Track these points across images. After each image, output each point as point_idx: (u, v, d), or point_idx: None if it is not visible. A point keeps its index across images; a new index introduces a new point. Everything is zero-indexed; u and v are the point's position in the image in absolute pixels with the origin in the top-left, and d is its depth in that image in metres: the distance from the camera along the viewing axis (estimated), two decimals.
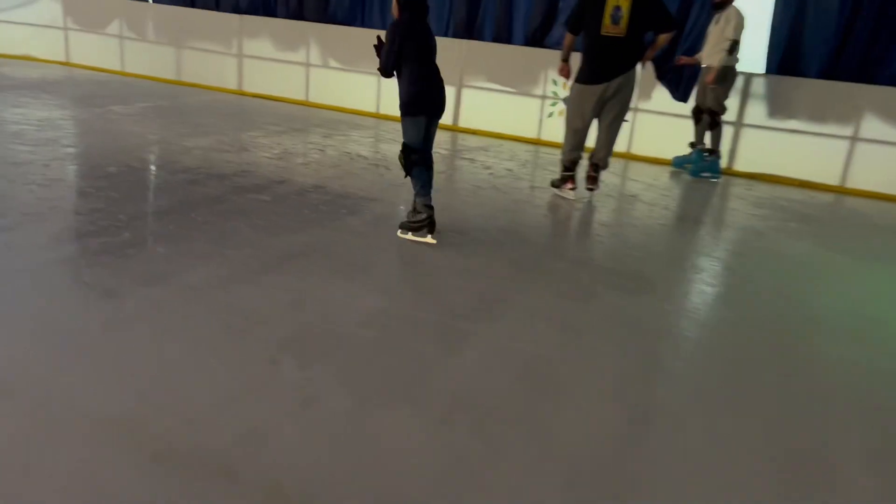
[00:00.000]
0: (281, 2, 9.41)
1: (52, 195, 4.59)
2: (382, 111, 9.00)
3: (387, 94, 8.96)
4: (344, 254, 4.05)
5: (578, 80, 5.53)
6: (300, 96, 9.52)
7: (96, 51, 10.61)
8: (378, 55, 4.14)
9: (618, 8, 5.25)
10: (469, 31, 8.53)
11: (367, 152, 6.97)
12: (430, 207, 4.26)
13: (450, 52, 8.63)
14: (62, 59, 10.82)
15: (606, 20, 5.29)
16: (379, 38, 4.19)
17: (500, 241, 4.58)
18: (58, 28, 10.70)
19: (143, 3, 10.18)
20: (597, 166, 5.75)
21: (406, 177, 4.26)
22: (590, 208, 5.72)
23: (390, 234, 4.46)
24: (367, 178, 5.94)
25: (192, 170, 5.57)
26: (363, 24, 9.10)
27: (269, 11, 9.48)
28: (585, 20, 5.41)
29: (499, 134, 8.54)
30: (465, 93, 8.64)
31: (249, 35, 9.62)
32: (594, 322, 3.49)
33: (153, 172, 5.56)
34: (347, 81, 9.17)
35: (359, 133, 8.06)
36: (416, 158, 4.16)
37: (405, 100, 4.12)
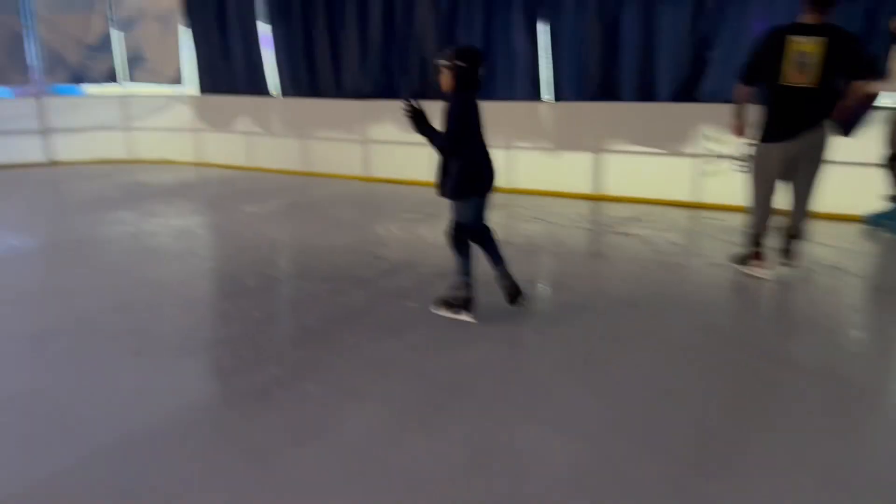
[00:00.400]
0: (403, 84, 9.16)
1: (191, 321, 4.24)
2: (515, 185, 8.45)
3: (515, 168, 8.43)
4: (520, 377, 3.38)
5: (761, 138, 4.71)
6: (427, 177, 9.13)
7: (225, 148, 10.80)
8: (416, 124, 3.85)
9: (803, 54, 4.44)
10: (607, 91, 7.87)
11: (513, 234, 6.37)
12: (471, 286, 4.11)
13: (586, 116, 8.01)
14: (194, 159, 11.09)
15: (790, 68, 4.48)
16: (411, 103, 3.85)
17: (698, 345, 3.77)
18: (189, 130, 11.01)
19: (268, 98, 10.27)
20: (793, 237, 4.84)
21: (455, 254, 4.09)
22: (788, 287, 4.80)
23: (573, 343, 3.76)
24: (526, 268, 5.29)
25: (332, 277, 5.14)
26: (490, 97, 8.65)
27: (393, 94, 9.26)
28: (763, 69, 4.62)
29: (649, 200, 7.73)
30: (607, 158, 7.94)
31: (373, 119, 9.42)
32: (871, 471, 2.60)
33: (293, 284, 5.18)
34: None
35: (503, 212, 7.51)
36: (467, 238, 4.06)
37: (460, 180, 3.88)
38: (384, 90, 9.32)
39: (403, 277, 5.08)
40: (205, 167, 10.95)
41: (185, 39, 10.77)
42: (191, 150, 11.10)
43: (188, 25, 10.65)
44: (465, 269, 4.09)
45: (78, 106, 11.35)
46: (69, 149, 11.15)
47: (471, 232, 4.06)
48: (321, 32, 9.53)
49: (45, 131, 10.97)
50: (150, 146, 11.24)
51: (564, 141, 8.20)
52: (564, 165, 8.20)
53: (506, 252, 4.25)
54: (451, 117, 3.76)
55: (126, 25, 10.97)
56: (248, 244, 6.17)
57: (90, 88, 11.86)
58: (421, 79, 8.95)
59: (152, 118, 11.19)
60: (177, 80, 10.92)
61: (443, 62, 3.81)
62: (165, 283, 5.02)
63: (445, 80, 3.83)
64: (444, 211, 7.69)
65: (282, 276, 5.31)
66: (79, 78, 11.19)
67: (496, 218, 7.33)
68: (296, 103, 10.05)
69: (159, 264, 5.52)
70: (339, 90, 9.65)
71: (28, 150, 10.95)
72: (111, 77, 11.15)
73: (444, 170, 3.92)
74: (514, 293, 4.16)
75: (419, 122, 3.84)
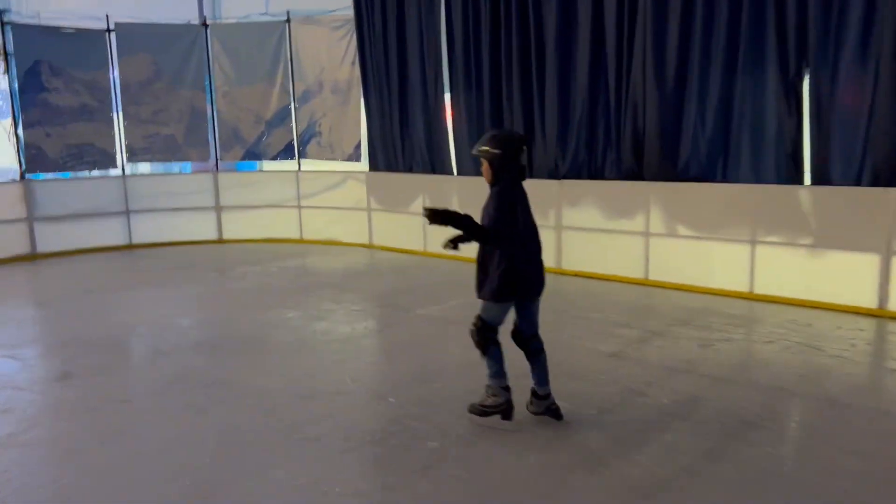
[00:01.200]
0: (610, 163, 7.64)
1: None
2: (758, 291, 6.55)
3: (762, 269, 6.55)
4: None
5: None
6: (637, 273, 7.46)
7: (398, 231, 9.76)
8: (444, 219, 3.47)
9: None
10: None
11: (753, 362, 4.53)
12: (507, 390, 3.81)
13: (863, 204, 5.99)
14: (364, 241, 10.15)
15: None
16: (431, 209, 3.49)
17: None
18: (360, 210, 10.12)
19: (447, 177, 9.14)
20: None
21: (482, 356, 3.78)
22: None
23: None
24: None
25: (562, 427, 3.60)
26: (724, 178, 6.91)
27: (597, 174, 7.76)
28: None
29: None
30: None
31: (570, 202, 7.95)
32: None
33: (513, 448, 3.67)
34: (705, 253, 6.93)
35: (742, 330, 5.68)
36: (493, 336, 3.74)
37: (501, 283, 3.60)
38: (585, 169, 7.85)
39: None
40: (376, 249, 9.96)
41: (362, 113, 10.00)
42: (363, 232, 10.17)
43: (365, 97, 9.89)
44: (498, 371, 3.80)
45: (251, 182, 10.88)
46: (239, 226, 10.64)
47: (494, 330, 3.75)
48: (514, 103, 8.29)
49: (219, 208, 10.54)
50: (320, 226, 10.47)
51: (832, 236, 6.23)
52: (832, 268, 6.21)
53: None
54: (493, 209, 3.58)
55: (303, 99, 10.41)
56: (431, 369, 4.80)
57: (265, 164, 11.45)
58: (634, 157, 7.39)
59: (324, 196, 10.45)
60: (353, 156, 10.12)
61: (479, 150, 3.63)
62: (322, 437, 3.71)
63: (485, 170, 3.65)
64: (671, 322, 5.88)
65: (492, 436, 3.82)
66: (254, 154, 10.74)
67: (741, 335, 5.30)
68: (476, 183, 8.81)
69: (319, 408, 4.26)
70: (531, 169, 8.31)
71: (200, 227, 10.55)
72: (286, 153, 10.59)
73: (484, 268, 3.68)
74: (558, 413, 3.86)
75: (447, 217, 3.47)
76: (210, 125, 10.59)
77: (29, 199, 9.53)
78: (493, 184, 3.65)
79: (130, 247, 10.28)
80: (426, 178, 9.38)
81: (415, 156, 9.47)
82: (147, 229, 10.39)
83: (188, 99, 10.47)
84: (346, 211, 10.28)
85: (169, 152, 10.54)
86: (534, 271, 3.71)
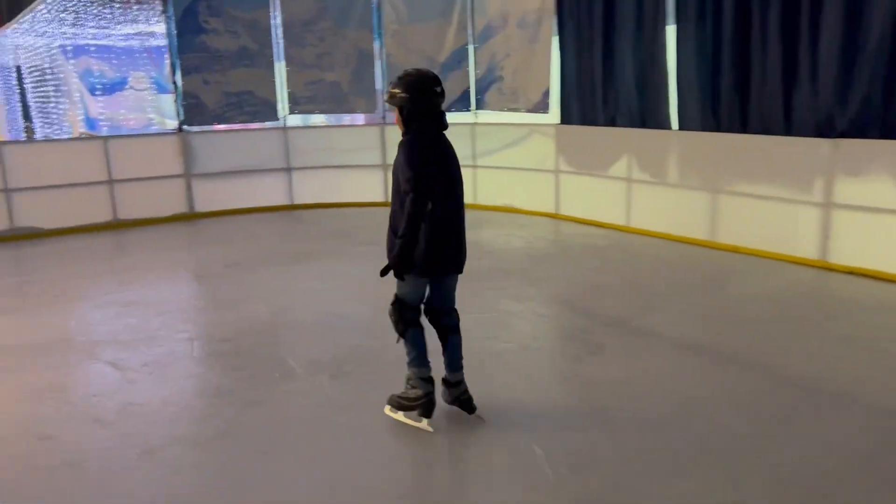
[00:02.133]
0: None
1: None
2: None
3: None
4: None
5: None
6: None
7: (593, 199, 7.91)
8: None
9: None
10: None
11: None
12: (429, 382, 3.27)
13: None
14: (549, 209, 8.41)
15: None
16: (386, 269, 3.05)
17: None
18: (547, 172, 8.36)
19: (663, 133, 7.12)
20: None
21: (399, 340, 3.26)
22: None
23: None
24: None
25: None
26: None
27: (892, 132, 5.43)
28: None
29: None
30: None
31: (848, 169, 5.69)
32: None
33: None
34: None
35: None
36: (413, 318, 3.22)
37: (402, 253, 3.00)
38: (877, 125, 5.52)
39: None
40: (563, 221, 8.20)
41: (554, 53, 8.14)
42: (549, 198, 8.42)
43: (559, 31, 8.01)
44: (417, 359, 3.27)
45: None
46: None
47: (415, 310, 3.27)
48: (770, 34, 6.05)
49: (385, 167, 9.25)
50: (497, 189, 8.84)
51: None
52: None
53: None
54: (405, 164, 3.00)
55: (483, 37, 8.73)
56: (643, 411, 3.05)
57: None
58: None
59: (503, 155, 8.78)
60: (540, 105, 8.33)
61: (387, 94, 3.18)
62: None
63: (396, 119, 3.19)
64: None
65: None
66: None
67: None
68: (707, 140, 6.72)
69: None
70: (788, 122, 6.08)
71: (366, 187, 9.34)
72: (461, 102, 9.01)
73: (393, 230, 3.12)
74: (470, 405, 3.37)
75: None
76: (378, 70, 9.25)
77: (186, 153, 8.77)
78: (404, 134, 3.16)
79: (292, 207, 9.31)
80: (634, 132, 7.40)
81: (620, 105, 7.50)
82: (309, 188, 9.37)
83: (354, 40, 9.16)
84: (528, 172, 8.56)
85: (334, 102, 9.34)
86: (452, 247, 3.22)
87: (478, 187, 8.84)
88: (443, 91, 3.15)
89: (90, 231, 8.10)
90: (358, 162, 9.31)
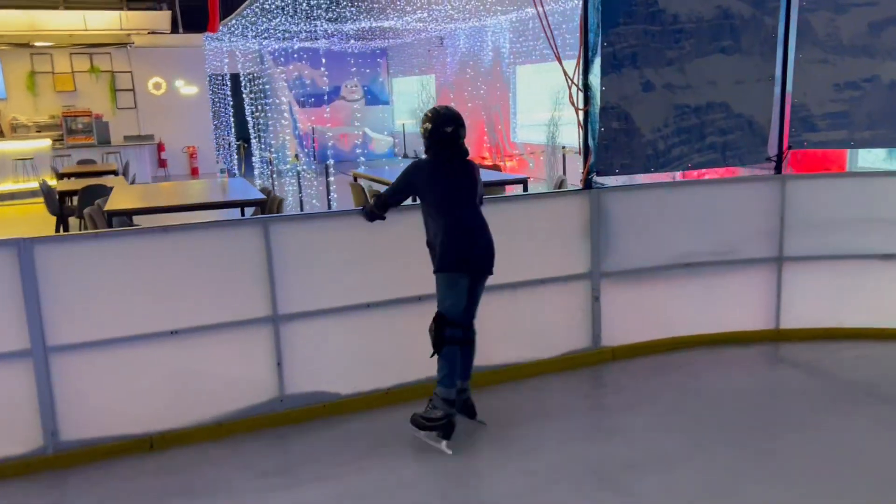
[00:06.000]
0: None
1: None
2: None
3: None
4: None
5: None
6: None
7: None
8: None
9: None
10: None
11: None
12: (451, 404, 3.41)
13: None
14: None
15: None
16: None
17: None
18: None
19: None
20: None
21: (433, 355, 3.37)
22: None
23: None
24: None
25: None
26: None
27: None
28: None
29: None
30: None
31: None
32: None
33: None
34: None
35: None
36: (452, 335, 3.35)
37: (444, 251, 3.40)
38: None
39: None
40: None
41: None
42: None
43: None
44: (447, 378, 3.40)
45: None
46: None
47: (458, 327, 3.40)
48: None
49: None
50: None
51: None
52: None
53: None
54: (400, 175, 3.57)
55: None
56: None
57: None
58: None
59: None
60: None
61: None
62: None
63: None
64: None
65: None
66: None
67: None
68: None
69: None
70: None
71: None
72: None
73: (431, 246, 3.52)
74: (472, 411, 3.64)
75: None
76: None
77: (597, 231, 4.29)
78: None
79: (777, 335, 4.64)
80: None
81: None
82: (806, 298, 4.63)
83: None
84: None
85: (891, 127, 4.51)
86: (480, 247, 3.46)
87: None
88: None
89: None
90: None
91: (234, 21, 11.88)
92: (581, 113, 4.24)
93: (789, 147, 4.48)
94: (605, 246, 4.32)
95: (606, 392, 4.17)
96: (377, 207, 3.58)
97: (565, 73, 4.19)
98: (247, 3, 10.77)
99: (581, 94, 4.22)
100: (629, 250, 4.37)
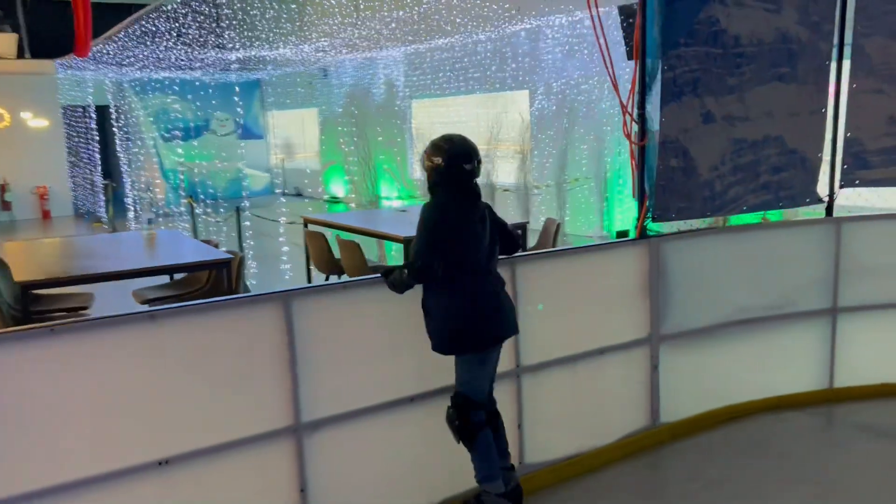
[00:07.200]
0: None
1: None
2: None
3: None
4: None
5: None
6: None
7: None
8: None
9: None
10: None
11: None
12: (504, 496, 2.84)
13: None
14: None
15: None
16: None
17: None
18: None
19: None
20: None
21: (459, 442, 2.79)
22: None
23: None
24: None
25: None
26: None
27: None
28: None
29: None
30: None
31: None
32: None
33: None
34: None
35: None
36: (479, 419, 2.77)
37: (448, 326, 2.78)
38: None
39: None
40: None
41: None
42: None
43: None
44: (490, 470, 2.81)
45: None
46: None
47: (484, 409, 2.82)
48: None
49: None
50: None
51: None
52: None
53: None
54: (421, 228, 2.75)
55: None
56: None
57: None
58: None
59: None
60: None
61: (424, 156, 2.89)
62: None
63: (427, 167, 2.87)
64: None
65: None
66: None
67: None
68: None
69: None
70: None
71: None
72: None
73: (426, 310, 2.82)
74: (519, 495, 2.96)
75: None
76: None
77: (656, 288, 3.62)
78: (431, 197, 2.88)
79: (831, 395, 4.15)
80: None
81: None
82: (865, 353, 4.19)
83: None
84: None
85: None
86: (489, 310, 2.82)
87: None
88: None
89: None
90: None
91: (98, 47, 10.38)
92: (637, 148, 3.58)
93: (841, 185, 4.07)
94: (664, 304, 3.66)
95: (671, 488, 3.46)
96: (413, 278, 2.71)
97: (622, 104, 3.52)
98: (120, 25, 9.50)
99: (637, 127, 3.57)
100: (686, 308, 3.73)
